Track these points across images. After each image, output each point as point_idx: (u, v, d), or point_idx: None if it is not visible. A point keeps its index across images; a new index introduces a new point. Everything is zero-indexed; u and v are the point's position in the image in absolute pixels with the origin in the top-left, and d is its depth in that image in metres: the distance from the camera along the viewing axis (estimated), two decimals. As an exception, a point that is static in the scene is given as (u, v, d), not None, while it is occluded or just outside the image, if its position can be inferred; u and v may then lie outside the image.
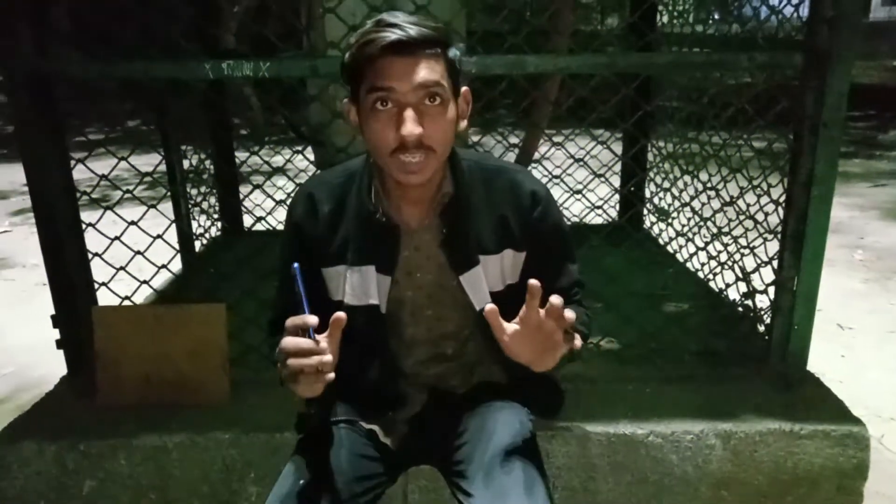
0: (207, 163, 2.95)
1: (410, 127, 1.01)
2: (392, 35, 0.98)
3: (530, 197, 1.20)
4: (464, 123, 1.13)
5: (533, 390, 1.33)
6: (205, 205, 2.92)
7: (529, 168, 2.78)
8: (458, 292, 1.21)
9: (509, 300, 1.17)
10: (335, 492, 1.18)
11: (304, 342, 0.97)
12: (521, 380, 1.25)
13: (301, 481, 1.19)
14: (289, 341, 0.98)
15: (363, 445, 1.26)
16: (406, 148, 1.03)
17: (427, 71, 1.01)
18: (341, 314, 0.98)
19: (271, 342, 1.24)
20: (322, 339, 0.98)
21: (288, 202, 1.31)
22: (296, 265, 0.99)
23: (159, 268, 1.93)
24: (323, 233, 1.20)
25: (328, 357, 0.97)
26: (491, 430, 1.22)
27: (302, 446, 1.28)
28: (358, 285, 1.20)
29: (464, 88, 1.12)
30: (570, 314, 0.95)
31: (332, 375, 0.98)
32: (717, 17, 2.57)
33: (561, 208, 1.32)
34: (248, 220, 3.25)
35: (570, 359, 1.06)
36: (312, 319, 0.97)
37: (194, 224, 2.81)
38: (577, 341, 1.01)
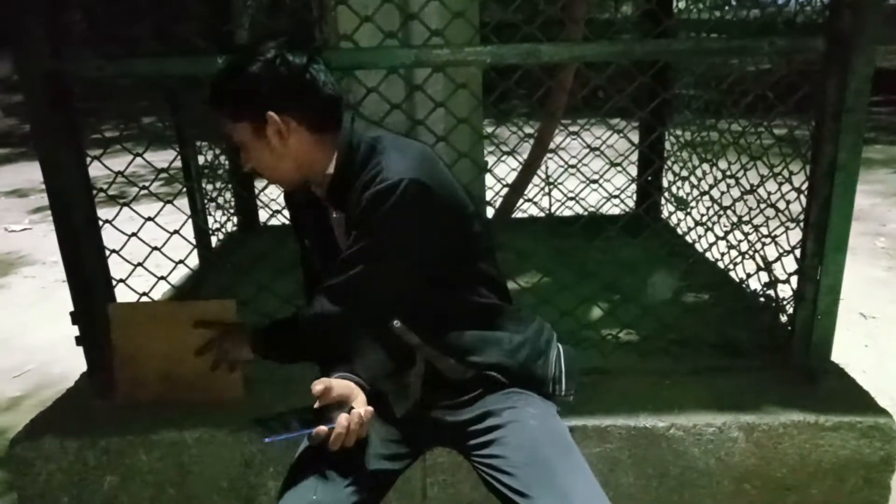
0: (222, 158, 2.95)
1: (245, 166, 1.27)
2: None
3: (375, 175, 1.15)
4: (281, 141, 1.19)
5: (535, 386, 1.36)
6: (220, 200, 2.93)
7: (545, 157, 2.76)
8: None
9: None
10: (352, 470, 1.21)
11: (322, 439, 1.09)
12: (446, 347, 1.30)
13: (314, 463, 1.21)
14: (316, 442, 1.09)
15: (378, 424, 1.29)
16: None
17: (228, 125, 1.21)
18: (319, 388, 1.11)
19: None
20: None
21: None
22: (266, 439, 1.07)
23: (176, 263, 1.94)
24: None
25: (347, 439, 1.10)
26: (534, 440, 1.24)
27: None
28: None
29: (268, 114, 1.16)
30: None
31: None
32: (734, 1, 2.52)
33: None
34: (263, 215, 3.26)
35: None
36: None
37: (210, 219, 2.82)
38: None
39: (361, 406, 1.12)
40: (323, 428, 1.07)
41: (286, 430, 1.07)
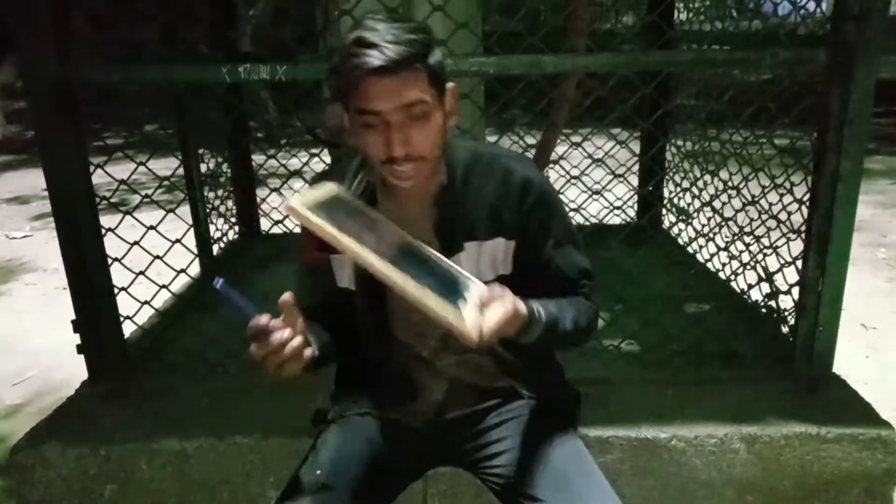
0: (224, 166, 2.96)
1: (398, 149, 1.05)
2: (373, 60, 0.99)
3: (521, 184, 1.19)
4: (454, 119, 1.16)
5: (547, 392, 1.34)
6: (222, 208, 2.93)
7: (547, 167, 2.76)
8: None
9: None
10: (355, 482, 1.18)
11: (256, 330, 0.98)
12: (514, 368, 1.28)
13: (318, 472, 1.19)
14: (250, 334, 0.99)
15: (385, 436, 1.28)
16: (396, 161, 1.07)
17: (409, 90, 1.03)
18: (286, 297, 1.01)
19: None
20: (279, 322, 0.99)
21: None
22: (218, 280, 0.98)
23: (178, 272, 1.94)
24: None
25: (279, 335, 0.98)
26: (548, 449, 1.23)
27: (319, 440, 1.29)
28: (358, 273, 1.22)
29: (449, 85, 1.13)
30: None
31: (306, 353, 1.01)
32: (735, 13, 2.53)
33: (575, 205, 1.30)
34: (265, 224, 3.26)
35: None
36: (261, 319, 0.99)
37: (212, 228, 2.82)
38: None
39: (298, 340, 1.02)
40: (266, 317, 0.98)
41: (241, 300, 1.00)
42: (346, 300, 1.26)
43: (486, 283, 1.15)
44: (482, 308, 0.96)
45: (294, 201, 0.98)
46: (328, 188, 1.10)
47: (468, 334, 0.91)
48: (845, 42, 1.54)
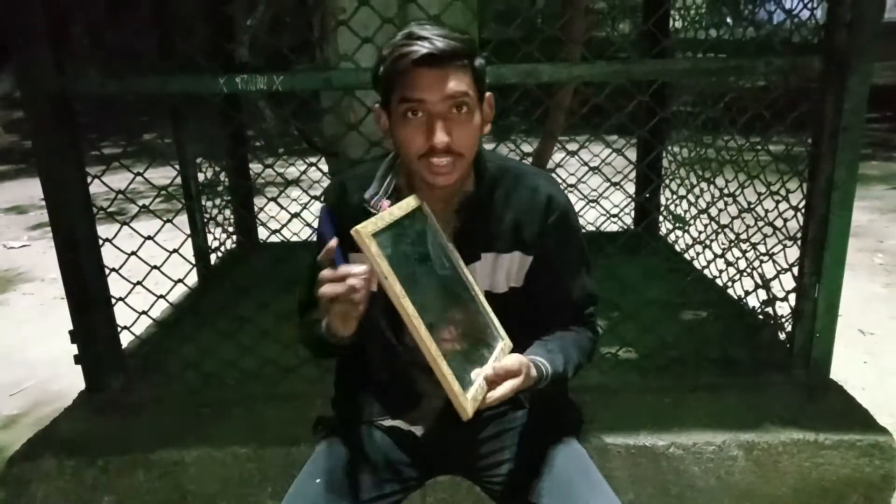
0: (222, 175, 2.97)
1: (440, 136, 1.06)
2: (422, 49, 1.03)
3: (546, 202, 1.21)
4: (488, 127, 1.18)
5: (548, 402, 1.33)
6: (220, 218, 2.93)
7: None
8: None
9: (511, 303, 1.23)
10: (356, 491, 1.18)
11: (336, 271, 0.99)
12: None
13: (317, 480, 1.19)
14: (324, 273, 1.00)
15: (386, 444, 1.28)
16: (435, 153, 1.08)
17: (455, 82, 1.06)
18: (332, 243, 1.02)
19: (305, 321, 1.26)
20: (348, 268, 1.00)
21: (302, 214, 1.32)
22: (335, 240, 1.01)
23: (175, 282, 1.94)
24: (351, 219, 1.17)
25: (355, 281, 0.98)
26: (551, 456, 1.23)
27: (320, 448, 1.28)
28: None
29: (487, 94, 1.16)
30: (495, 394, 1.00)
31: (362, 308, 1.01)
32: (730, 21, 2.55)
33: (577, 216, 1.30)
34: (262, 233, 3.26)
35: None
36: (333, 242, 1.01)
37: (210, 237, 2.82)
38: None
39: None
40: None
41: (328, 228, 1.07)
42: None
43: (498, 295, 1.21)
44: (495, 383, 1.00)
45: (364, 227, 0.96)
46: (409, 203, 1.09)
47: (463, 414, 0.96)
48: (838, 49, 1.55)
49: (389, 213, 1.04)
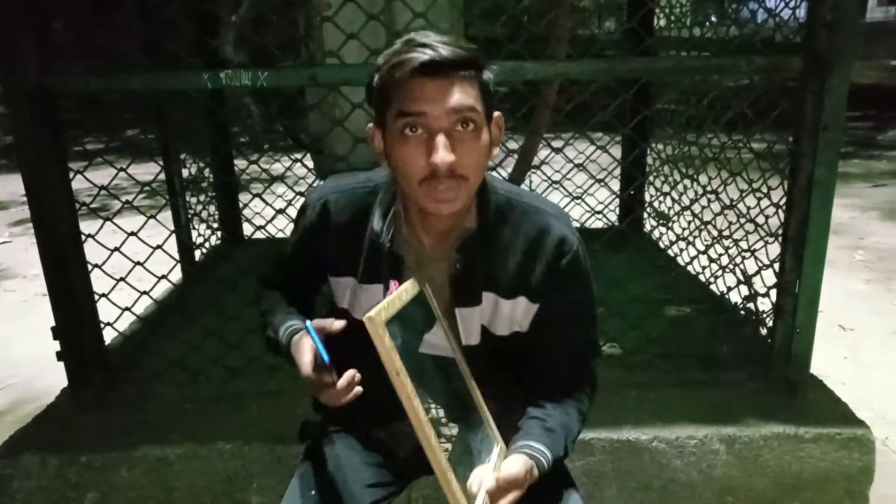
0: (207, 171, 2.95)
1: (442, 154, 0.93)
2: (423, 55, 0.91)
3: (557, 245, 1.09)
4: (496, 151, 1.06)
5: None
6: (204, 214, 2.92)
7: (529, 172, 2.78)
8: (454, 325, 1.15)
9: (514, 345, 1.16)
10: (350, 500, 1.18)
11: (323, 383, 0.98)
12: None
13: (312, 492, 1.19)
14: (314, 380, 0.99)
15: (371, 454, 1.26)
16: (437, 176, 0.95)
17: (460, 94, 0.94)
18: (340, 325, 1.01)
19: (264, 321, 1.22)
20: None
21: (288, 211, 1.29)
22: (308, 323, 0.99)
23: (159, 278, 1.93)
24: (334, 243, 1.15)
25: (341, 392, 0.98)
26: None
27: (308, 456, 1.27)
28: (365, 301, 1.15)
29: (496, 114, 1.04)
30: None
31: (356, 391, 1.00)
32: (714, 20, 2.57)
33: (588, 259, 1.25)
34: (247, 229, 3.25)
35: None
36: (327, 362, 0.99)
37: (194, 233, 2.81)
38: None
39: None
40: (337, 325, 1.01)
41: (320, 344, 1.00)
42: (313, 290, 1.24)
43: (500, 337, 1.14)
44: (498, 494, 0.96)
45: (377, 315, 0.88)
46: (413, 286, 1.02)
47: None
48: (818, 49, 1.57)
49: (398, 297, 0.94)
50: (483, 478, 0.97)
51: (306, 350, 1.01)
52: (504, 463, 1.02)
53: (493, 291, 1.11)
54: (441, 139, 0.94)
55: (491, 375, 1.13)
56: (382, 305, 0.90)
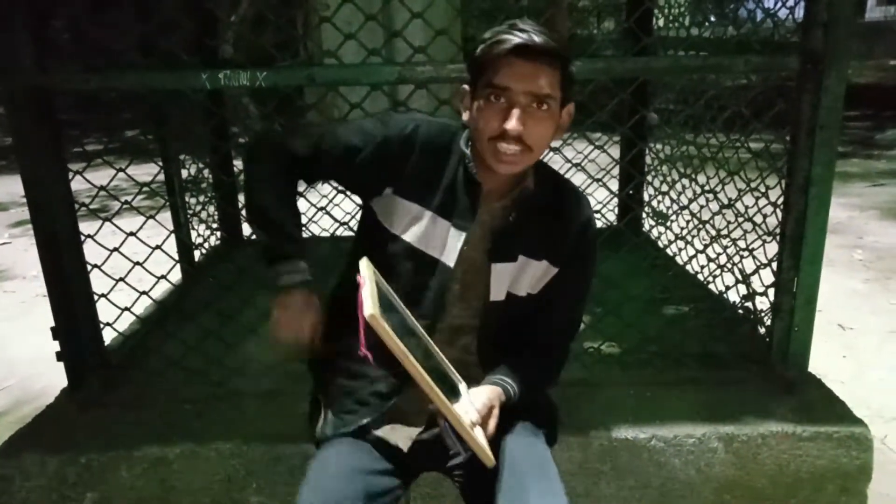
0: (206, 172, 2.95)
1: (514, 124, 1.08)
2: (518, 38, 1.06)
3: (585, 223, 1.26)
4: (560, 134, 1.20)
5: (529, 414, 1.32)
6: (203, 214, 2.92)
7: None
8: (485, 280, 1.25)
9: (522, 307, 1.27)
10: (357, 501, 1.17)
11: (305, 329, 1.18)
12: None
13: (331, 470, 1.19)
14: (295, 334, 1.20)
15: (375, 451, 1.25)
16: (505, 138, 1.10)
17: (543, 80, 1.08)
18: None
19: (266, 214, 1.26)
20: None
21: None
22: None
23: (158, 279, 1.93)
24: (415, 165, 1.21)
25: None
26: (512, 455, 1.22)
27: (316, 456, 1.26)
28: (427, 232, 1.22)
29: (570, 104, 1.18)
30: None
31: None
32: (712, 20, 2.57)
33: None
34: (247, 229, 3.25)
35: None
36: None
37: (193, 234, 2.81)
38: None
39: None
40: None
41: None
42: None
43: (515, 297, 1.26)
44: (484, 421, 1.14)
45: (375, 310, 0.96)
46: (368, 265, 1.10)
47: (489, 462, 1.11)
48: (815, 49, 1.57)
49: (371, 283, 1.04)
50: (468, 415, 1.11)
51: (314, 312, 1.21)
52: (476, 393, 1.18)
53: (526, 254, 1.24)
54: (516, 112, 1.09)
55: (502, 335, 1.28)
56: (370, 300, 0.98)
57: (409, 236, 1.23)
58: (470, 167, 1.20)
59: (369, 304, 0.96)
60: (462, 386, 1.20)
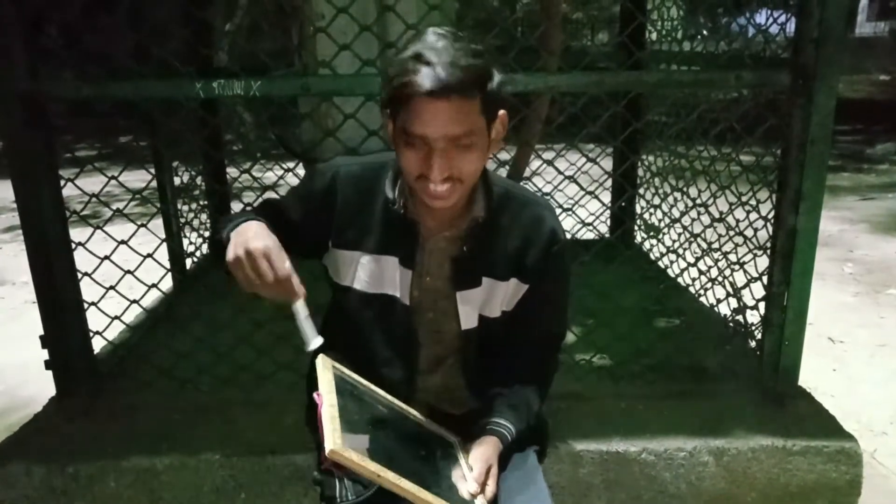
0: (199, 179, 2.94)
1: (436, 172, 1.02)
2: (427, 82, 0.96)
3: (549, 234, 1.21)
4: (498, 146, 1.15)
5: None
6: (196, 222, 2.91)
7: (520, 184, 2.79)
8: (453, 309, 1.22)
9: (501, 326, 1.25)
10: None
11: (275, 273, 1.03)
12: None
13: None
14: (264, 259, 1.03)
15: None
16: (431, 179, 1.04)
17: (458, 120, 1.00)
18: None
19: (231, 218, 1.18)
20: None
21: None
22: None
23: (149, 287, 1.92)
24: (344, 213, 1.19)
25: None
26: (502, 477, 1.20)
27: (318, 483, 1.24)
28: (374, 273, 1.20)
29: (501, 112, 1.10)
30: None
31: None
32: (704, 34, 2.60)
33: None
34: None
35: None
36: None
37: (185, 242, 2.80)
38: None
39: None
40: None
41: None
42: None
43: (491, 319, 1.23)
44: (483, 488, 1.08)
45: (335, 444, 0.90)
46: (325, 365, 1.06)
47: None
48: (805, 64, 1.59)
49: (330, 405, 0.97)
50: (467, 484, 1.08)
51: (270, 238, 1.05)
52: (474, 450, 1.13)
53: (491, 276, 1.21)
54: (437, 158, 1.02)
55: (487, 355, 1.25)
56: (330, 433, 0.92)
57: (358, 283, 1.21)
58: (395, 210, 1.15)
59: (329, 441, 0.90)
60: (456, 442, 1.18)
